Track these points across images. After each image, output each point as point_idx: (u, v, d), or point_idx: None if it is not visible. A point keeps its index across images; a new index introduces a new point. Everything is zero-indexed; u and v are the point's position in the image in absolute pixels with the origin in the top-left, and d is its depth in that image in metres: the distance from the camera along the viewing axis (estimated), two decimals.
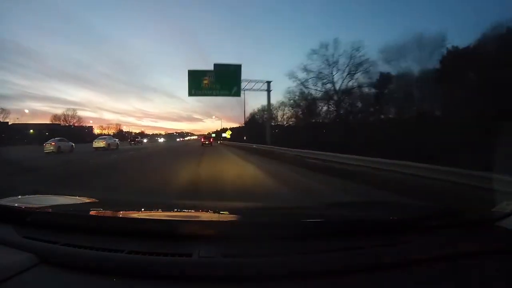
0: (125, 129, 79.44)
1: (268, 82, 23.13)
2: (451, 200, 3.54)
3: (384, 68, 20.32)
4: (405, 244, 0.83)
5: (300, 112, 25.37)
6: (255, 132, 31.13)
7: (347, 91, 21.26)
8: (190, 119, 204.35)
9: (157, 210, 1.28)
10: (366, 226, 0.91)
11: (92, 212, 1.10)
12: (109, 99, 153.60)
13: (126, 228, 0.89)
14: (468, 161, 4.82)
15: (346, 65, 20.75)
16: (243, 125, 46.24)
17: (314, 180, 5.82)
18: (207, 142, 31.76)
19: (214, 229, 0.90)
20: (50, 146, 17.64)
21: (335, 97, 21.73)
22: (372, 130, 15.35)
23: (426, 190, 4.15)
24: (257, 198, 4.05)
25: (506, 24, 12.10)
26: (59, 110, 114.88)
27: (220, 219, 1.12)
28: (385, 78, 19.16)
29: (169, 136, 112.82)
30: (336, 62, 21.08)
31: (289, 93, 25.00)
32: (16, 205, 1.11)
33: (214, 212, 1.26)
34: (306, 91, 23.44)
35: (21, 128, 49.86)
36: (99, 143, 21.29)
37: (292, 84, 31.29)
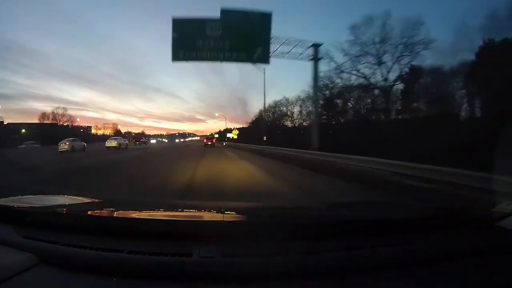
0: (124, 129, 77.63)
1: (316, 46, 13.93)
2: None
3: (416, 60, 16.52)
4: (406, 244, 0.83)
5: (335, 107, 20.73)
6: (271, 132, 26.72)
7: (402, 79, 16.91)
8: (193, 119, 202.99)
9: (157, 210, 1.28)
10: (367, 226, 0.91)
11: (92, 212, 1.10)
12: (112, 99, 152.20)
13: (126, 228, 0.89)
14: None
15: (397, 46, 15.78)
16: (250, 124, 42.62)
17: None
18: (209, 143, 31.08)
19: (214, 229, 0.90)
20: (64, 145, 19.50)
21: (376, 90, 17.38)
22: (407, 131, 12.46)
23: None
24: (257, 198, 4.03)
25: None
26: (61, 110, 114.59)
27: (220, 219, 1.12)
28: (416, 72, 16.17)
29: (170, 137, 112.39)
30: (384, 41, 15.76)
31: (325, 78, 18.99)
32: (16, 205, 1.11)
33: (214, 212, 1.26)
34: (337, 79, 18.89)
35: (17, 128, 48.23)
36: (111, 143, 23.62)
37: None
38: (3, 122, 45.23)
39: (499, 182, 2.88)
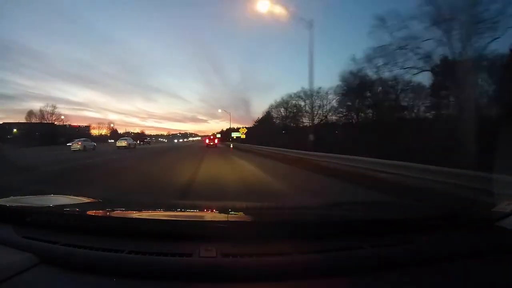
0: (121, 129, 76.07)
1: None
2: None
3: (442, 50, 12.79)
4: (406, 244, 0.83)
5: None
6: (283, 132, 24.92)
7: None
8: (195, 120, 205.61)
9: (157, 210, 1.28)
10: (367, 226, 0.91)
11: (92, 212, 1.10)
12: (113, 99, 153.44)
13: (126, 228, 0.89)
14: None
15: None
16: (255, 123, 37.99)
17: None
18: (211, 144, 29.80)
19: (214, 229, 0.90)
20: (77, 145, 21.05)
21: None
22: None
23: None
24: (257, 198, 4.02)
25: None
26: (62, 110, 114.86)
27: (220, 219, 1.12)
28: (447, 63, 12.70)
29: (171, 137, 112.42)
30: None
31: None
32: (16, 205, 1.11)
33: (214, 212, 1.26)
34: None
35: (12, 128, 46.72)
36: (121, 143, 26.14)
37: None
38: None
39: (499, 182, 2.83)
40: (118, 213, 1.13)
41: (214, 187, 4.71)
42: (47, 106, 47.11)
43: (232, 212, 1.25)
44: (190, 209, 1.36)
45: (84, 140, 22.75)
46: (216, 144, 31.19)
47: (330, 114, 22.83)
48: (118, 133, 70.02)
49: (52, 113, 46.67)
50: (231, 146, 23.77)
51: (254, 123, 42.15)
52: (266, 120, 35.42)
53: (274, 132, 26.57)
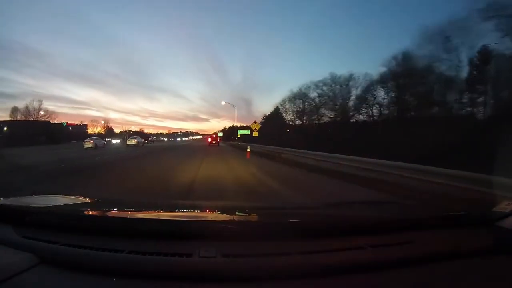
0: (117, 127, 73.92)
1: None
2: None
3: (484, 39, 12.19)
4: (406, 244, 0.83)
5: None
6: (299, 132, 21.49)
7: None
8: (196, 118, 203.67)
9: (157, 210, 1.28)
10: (367, 226, 0.91)
11: (92, 212, 1.10)
12: (115, 98, 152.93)
13: (126, 228, 0.88)
14: None
15: None
16: (263, 119, 33.97)
17: None
18: (214, 142, 29.98)
19: (214, 229, 0.90)
20: (89, 143, 23.38)
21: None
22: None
23: None
24: (257, 198, 4.03)
25: None
26: (64, 109, 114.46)
27: (220, 219, 1.12)
28: (486, 54, 11.63)
29: (170, 136, 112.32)
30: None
31: None
32: (16, 205, 1.11)
33: (214, 212, 1.26)
34: None
35: (7, 126, 42.29)
36: (132, 141, 30.69)
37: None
38: None
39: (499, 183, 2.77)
40: (118, 213, 1.13)
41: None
42: (33, 102, 43.60)
43: (232, 212, 1.25)
44: (190, 209, 1.36)
45: (95, 139, 25.54)
46: (218, 142, 31.14)
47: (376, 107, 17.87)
48: (113, 131, 69.10)
49: (39, 109, 43.76)
50: (248, 150, 13.58)
51: (261, 119, 38.24)
52: (274, 117, 32.03)
53: (285, 130, 23.35)
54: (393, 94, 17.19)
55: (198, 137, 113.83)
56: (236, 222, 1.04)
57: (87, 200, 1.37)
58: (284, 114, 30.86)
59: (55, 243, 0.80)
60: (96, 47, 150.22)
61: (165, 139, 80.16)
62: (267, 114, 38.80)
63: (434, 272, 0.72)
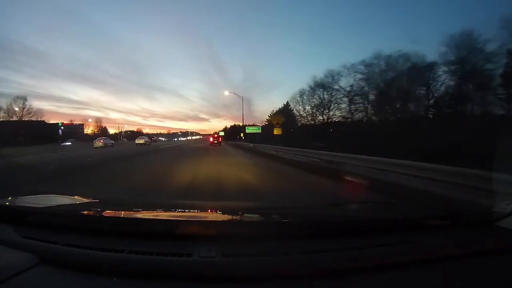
0: (112, 127, 72.54)
1: None
2: None
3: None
4: (406, 244, 0.83)
5: None
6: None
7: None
8: (197, 118, 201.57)
9: (157, 210, 1.28)
10: (367, 226, 0.91)
11: (92, 212, 1.10)
12: (116, 98, 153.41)
13: (126, 228, 0.88)
14: None
15: None
16: (269, 117, 28.35)
17: None
18: (215, 142, 29.76)
19: (214, 229, 0.90)
20: (99, 142, 25.81)
21: None
22: None
23: None
24: (257, 198, 4.01)
25: None
26: (64, 109, 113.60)
27: (220, 219, 1.12)
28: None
29: (170, 136, 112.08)
30: None
31: None
32: (16, 205, 1.11)
33: (214, 212, 1.26)
34: None
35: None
36: (140, 141, 32.88)
37: None
38: None
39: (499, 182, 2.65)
40: (118, 213, 1.13)
41: None
42: (17, 99, 39.44)
43: (232, 212, 1.25)
44: (190, 209, 1.35)
45: (105, 139, 28.46)
46: (220, 142, 30.86)
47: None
48: (107, 131, 67.85)
49: (23, 107, 39.64)
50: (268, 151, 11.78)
51: (268, 116, 34.32)
52: (284, 114, 25.79)
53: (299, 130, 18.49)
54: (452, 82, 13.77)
55: (198, 137, 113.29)
56: (236, 222, 1.04)
57: (87, 200, 1.37)
58: (298, 110, 25.63)
59: (55, 243, 0.80)
60: (96, 47, 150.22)
61: (163, 139, 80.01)
62: (275, 111, 35.08)
63: (434, 272, 0.72)
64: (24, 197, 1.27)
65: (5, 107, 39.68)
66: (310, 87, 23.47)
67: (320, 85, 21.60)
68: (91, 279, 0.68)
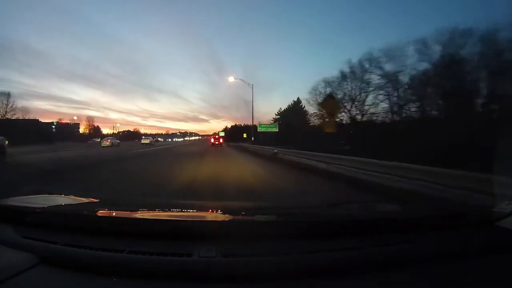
0: (105, 127, 73.50)
1: None
2: None
3: None
4: (406, 244, 0.83)
5: None
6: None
7: None
8: (196, 119, 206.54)
9: (157, 210, 1.27)
10: (366, 226, 0.91)
11: (92, 212, 1.10)
12: (116, 99, 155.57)
13: (126, 228, 0.88)
14: None
15: None
16: (277, 115, 25.99)
17: None
18: (217, 143, 29.39)
19: (214, 229, 0.90)
20: (106, 142, 27.46)
21: None
22: None
23: None
24: (257, 198, 4.00)
25: None
26: (63, 109, 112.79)
27: (220, 219, 1.12)
28: None
29: (167, 136, 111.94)
30: None
31: None
32: (16, 205, 1.10)
33: (214, 212, 1.26)
34: None
35: None
36: (145, 141, 35.30)
37: None
38: None
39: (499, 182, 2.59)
40: (118, 213, 1.12)
41: None
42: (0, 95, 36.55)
43: (232, 212, 1.24)
44: (190, 209, 1.35)
45: (112, 139, 30.51)
46: (221, 143, 30.12)
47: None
48: (100, 131, 66.82)
49: (7, 104, 37.23)
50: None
51: (275, 114, 32.50)
52: (294, 112, 23.86)
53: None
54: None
55: (197, 137, 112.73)
56: (236, 222, 1.04)
57: (87, 200, 1.37)
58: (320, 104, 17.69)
59: (55, 243, 0.80)
60: (96, 47, 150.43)
61: (160, 139, 79.92)
62: (283, 110, 31.69)
63: (434, 272, 0.72)
64: (24, 197, 1.27)
65: None
66: (347, 71, 16.72)
67: (359, 69, 15.68)
68: (91, 279, 0.68)
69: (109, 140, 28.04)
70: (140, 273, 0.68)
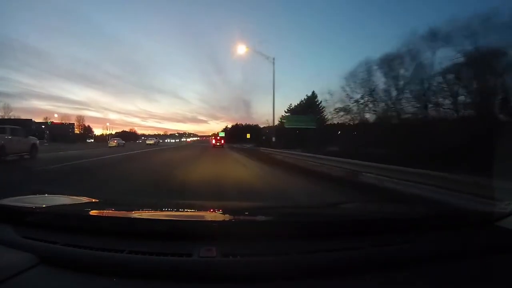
0: (97, 127, 73.48)
1: None
2: None
3: None
4: (406, 244, 0.83)
5: None
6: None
7: None
8: (195, 120, 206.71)
9: (157, 210, 1.27)
10: (366, 226, 0.91)
11: (92, 212, 1.09)
12: (115, 99, 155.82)
13: (126, 228, 0.88)
14: None
15: None
16: (286, 113, 23.75)
17: None
18: (218, 144, 29.52)
19: (214, 229, 0.90)
20: (112, 142, 29.54)
21: None
22: None
23: None
24: (257, 198, 4.01)
25: None
26: (63, 109, 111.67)
27: (220, 219, 1.12)
28: None
29: (166, 137, 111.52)
30: None
31: None
32: (16, 205, 1.10)
33: (214, 212, 1.26)
34: None
35: None
36: (150, 141, 38.83)
37: None
38: None
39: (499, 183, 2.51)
40: (118, 213, 1.12)
41: None
42: None
43: (232, 212, 1.24)
44: (190, 209, 1.35)
45: (118, 139, 32.51)
46: (222, 144, 30.11)
47: None
48: (91, 131, 66.04)
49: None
50: None
51: (285, 111, 29.22)
52: (309, 108, 21.67)
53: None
54: None
55: (196, 138, 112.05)
56: (236, 222, 1.04)
57: (87, 200, 1.37)
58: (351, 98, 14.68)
59: (55, 243, 0.79)
60: (96, 47, 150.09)
61: (160, 141, 79.76)
62: (294, 106, 27.67)
63: (434, 272, 0.72)
64: (24, 197, 1.27)
65: None
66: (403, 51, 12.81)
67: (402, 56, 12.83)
68: (91, 279, 0.68)
69: (115, 141, 30.04)
70: (140, 273, 0.68)
